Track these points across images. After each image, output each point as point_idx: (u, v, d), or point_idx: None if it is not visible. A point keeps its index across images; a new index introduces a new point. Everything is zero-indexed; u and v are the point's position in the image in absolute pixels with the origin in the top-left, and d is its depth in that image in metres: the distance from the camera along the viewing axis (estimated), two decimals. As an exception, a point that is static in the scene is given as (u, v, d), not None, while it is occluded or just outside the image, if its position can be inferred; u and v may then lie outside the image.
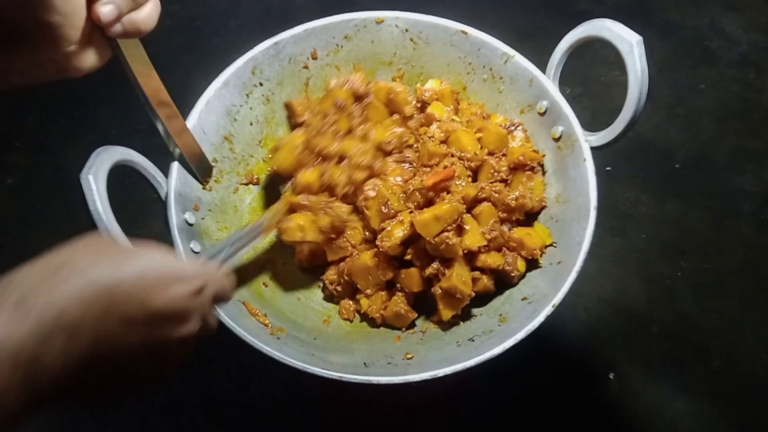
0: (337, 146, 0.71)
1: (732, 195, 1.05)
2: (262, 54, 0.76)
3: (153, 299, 0.37)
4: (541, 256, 0.71)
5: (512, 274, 0.70)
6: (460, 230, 0.66)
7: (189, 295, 0.39)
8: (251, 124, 0.79)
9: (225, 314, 0.60)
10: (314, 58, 0.80)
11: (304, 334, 0.69)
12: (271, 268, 0.77)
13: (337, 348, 0.69)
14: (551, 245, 0.71)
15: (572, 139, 0.71)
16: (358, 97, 0.76)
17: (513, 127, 0.76)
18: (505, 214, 0.70)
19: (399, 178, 0.72)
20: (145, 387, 0.40)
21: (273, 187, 0.79)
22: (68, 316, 0.33)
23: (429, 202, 0.68)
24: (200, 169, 0.70)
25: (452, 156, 0.71)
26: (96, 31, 0.46)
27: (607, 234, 1.00)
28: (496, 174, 0.71)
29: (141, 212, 0.94)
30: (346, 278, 0.72)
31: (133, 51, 0.53)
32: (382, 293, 0.72)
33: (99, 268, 0.35)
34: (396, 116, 0.76)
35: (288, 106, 0.80)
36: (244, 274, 0.74)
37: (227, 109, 0.75)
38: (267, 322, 0.67)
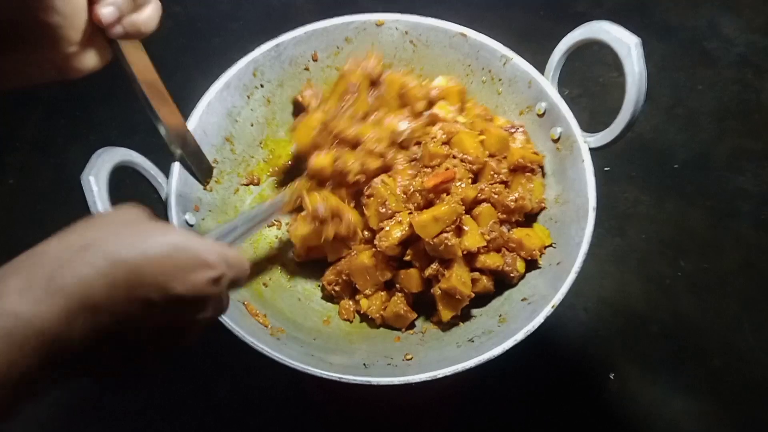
0: (354, 130, 0.71)
1: (732, 195, 1.06)
2: (263, 56, 0.76)
3: (174, 285, 0.37)
4: (540, 256, 0.71)
5: (512, 275, 0.70)
6: (459, 231, 0.67)
7: (209, 282, 0.40)
8: (252, 126, 0.79)
9: (225, 315, 0.60)
10: (315, 60, 0.80)
11: (303, 334, 0.69)
12: (271, 268, 0.77)
13: (337, 348, 0.69)
14: (550, 246, 0.71)
15: (571, 140, 0.71)
16: (373, 82, 0.76)
17: (514, 130, 0.76)
18: (504, 216, 0.71)
19: (406, 179, 0.72)
20: (152, 363, 0.41)
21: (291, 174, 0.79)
22: (94, 297, 0.34)
23: (429, 204, 0.69)
24: (201, 170, 0.70)
25: (454, 158, 0.71)
26: (96, 32, 0.47)
27: (607, 234, 1.01)
28: (496, 176, 0.71)
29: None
30: (345, 278, 0.72)
31: (133, 52, 0.53)
32: (382, 294, 0.72)
33: (125, 249, 0.36)
34: (407, 109, 0.76)
35: (296, 104, 0.80)
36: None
37: (228, 111, 0.75)
38: (267, 322, 0.67)
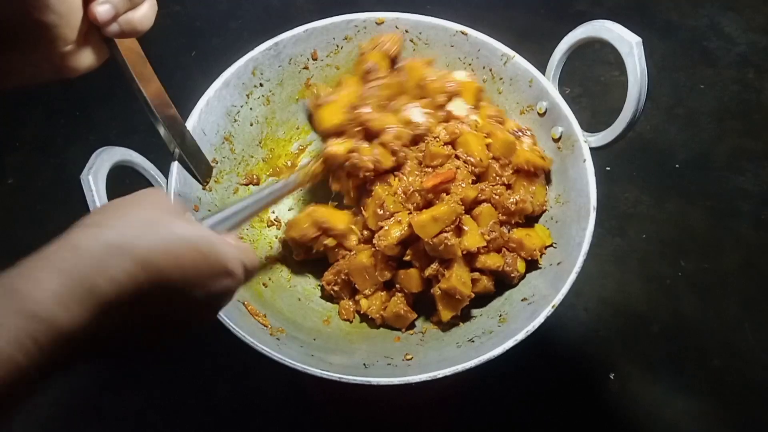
0: (380, 121, 0.70)
1: (732, 195, 1.06)
2: (263, 54, 0.76)
3: (196, 292, 0.39)
4: (540, 256, 0.71)
5: (512, 275, 0.70)
6: (459, 231, 0.66)
7: (226, 289, 0.41)
8: (251, 125, 0.79)
9: (225, 315, 0.60)
10: (314, 59, 0.80)
11: (303, 334, 0.69)
12: (271, 268, 0.77)
13: (337, 349, 0.69)
14: (551, 246, 0.71)
15: (572, 139, 0.71)
16: (392, 60, 0.75)
17: (521, 133, 0.76)
18: (504, 217, 0.70)
19: (411, 178, 0.71)
20: (163, 342, 0.42)
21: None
22: (123, 299, 0.35)
23: (428, 204, 0.68)
24: (200, 170, 0.70)
25: (457, 158, 0.70)
26: (92, 30, 0.46)
27: (607, 234, 1.01)
28: (498, 178, 0.71)
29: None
30: (344, 278, 0.72)
31: (130, 51, 0.53)
32: (382, 294, 0.72)
33: (154, 253, 0.37)
34: (428, 101, 0.74)
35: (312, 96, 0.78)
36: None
37: (227, 110, 0.75)
38: (267, 322, 0.67)
